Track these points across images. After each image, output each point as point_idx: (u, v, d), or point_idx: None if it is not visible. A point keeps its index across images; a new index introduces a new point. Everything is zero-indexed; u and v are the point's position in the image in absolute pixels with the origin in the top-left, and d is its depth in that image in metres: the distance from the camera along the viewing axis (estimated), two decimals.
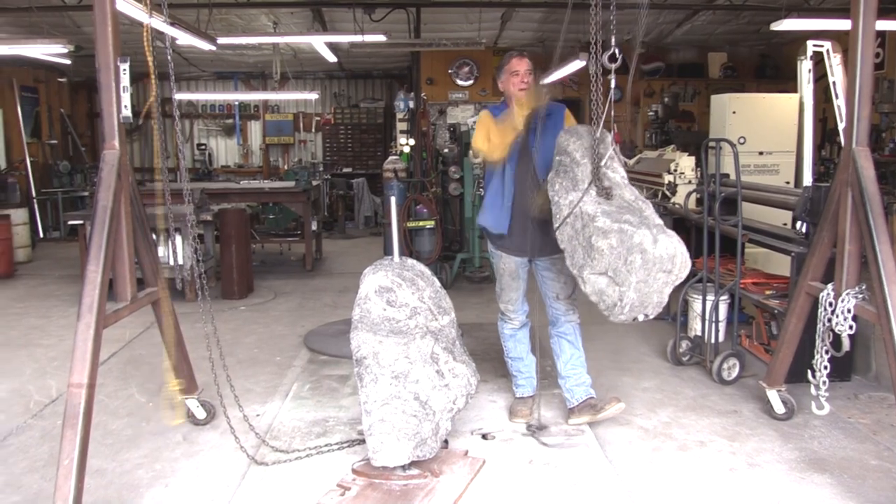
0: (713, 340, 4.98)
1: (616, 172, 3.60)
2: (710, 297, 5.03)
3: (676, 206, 6.25)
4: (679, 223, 6.60)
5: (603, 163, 3.53)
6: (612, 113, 3.54)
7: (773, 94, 8.17)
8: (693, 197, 5.75)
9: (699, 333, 5.17)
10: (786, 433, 4.02)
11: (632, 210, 3.45)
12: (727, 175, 5.56)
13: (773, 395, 4.18)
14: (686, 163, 6.69)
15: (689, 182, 6.55)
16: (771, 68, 12.60)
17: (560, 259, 4.04)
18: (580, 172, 3.57)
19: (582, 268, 3.47)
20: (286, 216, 10.81)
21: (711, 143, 5.26)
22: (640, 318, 3.39)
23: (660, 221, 3.41)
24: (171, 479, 3.55)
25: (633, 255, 3.26)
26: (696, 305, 5.27)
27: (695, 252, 5.50)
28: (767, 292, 5.02)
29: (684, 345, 5.19)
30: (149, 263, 3.81)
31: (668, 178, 6.70)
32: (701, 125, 11.77)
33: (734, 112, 7.66)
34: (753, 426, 4.13)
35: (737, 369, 4.80)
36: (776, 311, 4.81)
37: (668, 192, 6.69)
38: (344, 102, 15.58)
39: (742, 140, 7.35)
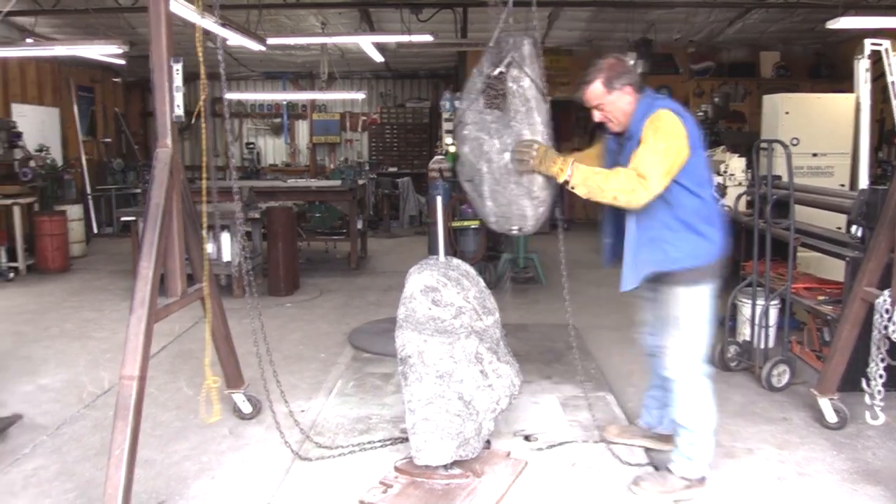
0: (763, 346, 4.88)
1: (516, 83, 3.32)
2: (760, 302, 4.93)
3: (726, 208, 6.14)
4: (728, 226, 6.50)
5: (495, 72, 3.37)
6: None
7: (828, 95, 7.99)
8: (743, 199, 5.64)
9: (748, 338, 5.07)
10: (838, 443, 3.91)
11: (505, 120, 3.34)
12: (779, 177, 5.44)
13: (825, 404, 4.07)
14: (736, 164, 6.58)
15: (740, 184, 6.44)
16: (826, 67, 12.27)
17: (651, 288, 3.45)
18: (480, 82, 3.49)
19: (459, 174, 3.61)
20: (332, 215, 10.91)
21: (763, 145, 5.17)
22: (515, 230, 3.43)
23: (527, 132, 3.24)
24: (217, 472, 3.62)
25: (480, 164, 3.41)
26: (746, 310, 5.17)
27: (744, 255, 5.41)
28: (820, 298, 4.90)
29: (732, 350, 5.09)
30: (198, 260, 3.89)
31: (717, 179, 6.60)
32: (752, 126, 11.54)
33: (787, 112, 7.51)
34: (803, 435, 4.03)
35: (787, 376, 4.70)
36: (829, 318, 4.69)
37: (717, 194, 6.58)
38: (390, 102, 15.67)
39: (795, 141, 7.20)
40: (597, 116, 3.33)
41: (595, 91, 3.25)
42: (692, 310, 3.28)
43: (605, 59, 3.30)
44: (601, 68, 3.26)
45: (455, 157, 3.58)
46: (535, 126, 3.28)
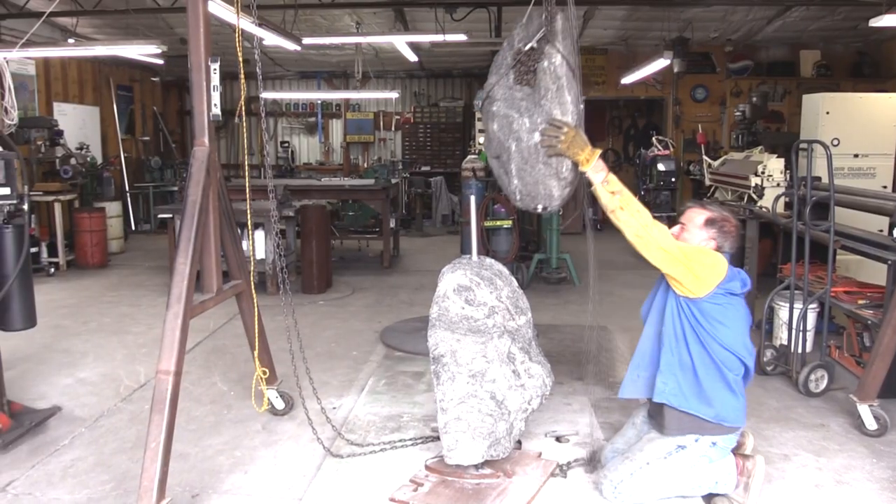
0: (800, 350, 4.79)
1: (547, 59, 3.30)
2: (798, 305, 4.84)
3: (764, 209, 6.04)
4: (766, 227, 6.40)
5: (526, 47, 3.35)
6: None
7: (871, 94, 7.83)
8: (782, 201, 5.54)
9: (785, 343, 4.99)
10: (878, 451, 3.83)
11: (535, 98, 3.32)
12: (819, 178, 5.34)
13: (865, 410, 3.99)
14: (774, 165, 6.47)
15: (778, 185, 6.33)
16: (868, 66, 12.00)
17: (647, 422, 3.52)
18: (510, 57, 3.47)
19: (487, 149, 3.63)
20: (365, 213, 10.97)
21: (803, 145, 5.07)
22: (540, 209, 3.43)
23: (557, 112, 3.23)
24: (249, 467, 3.67)
25: (509, 142, 3.39)
26: (783, 313, 5.09)
27: (783, 258, 5.32)
28: (860, 301, 4.80)
29: (769, 354, 5.01)
30: (234, 257, 3.94)
31: (755, 180, 6.49)
32: (791, 126, 11.34)
33: (828, 112, 7.37)
34: (842, 441, 3.95)
35: (825, 381, 4.61)
36: (870, 322, 4.59)
37: (754, 196, 6.48)
38: (423, 101, 15.69)
39: (836, 142, 7.07)
40: (675, 229, 3.38)
41: (697, 216, 3.32)
42: (670, 466, 3.21)
43: (731, 217, 3.37)
44: (721, 215, 3.33)
45: (488, 132, 3.56)
46: (565, 105, 3.26)
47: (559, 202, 3.40)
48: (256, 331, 3.91)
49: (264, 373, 3.83)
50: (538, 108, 3.30)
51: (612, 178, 3.18)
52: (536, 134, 3.28)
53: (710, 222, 3.29)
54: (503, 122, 3.43)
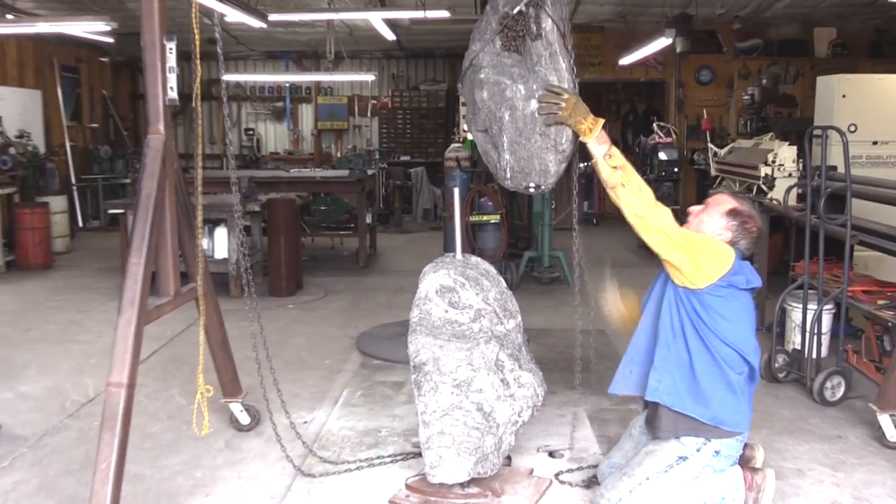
0: (815, 355, 4.83)
1: (537, 23, 3.34)
2: (812, 307, 4.88)
3: (774, 201, 6.09)
4: (777, 222, 6.45)
5: (514, 11, 3.37)
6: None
7: (891, 76, 7.90)
8: (794, 192, 5.59)
9: (798, 347, 5.03)
10: None
11: (527, 64, 3.35)
12: (834, 167, 5.39)
13: (886, 420, 4.03)
14: (786, 153, 6.52)
15: (790, 175, 6.38)
16: (888, 45, 12.13)
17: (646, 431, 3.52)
18: (495, 22, 3.49)
19: (471, 123, 3.63)
20: (339, 208, 10.94)
21: (817, 132, 5.12)
22: (532, 188, 3.44)
23: (553, 78, 3.27)
24: (211, 489, 3.64)
25: (501, 111, 3.38)
26: (796, 315, 5.13)
27: (795, 254, 5.36)
28: (880, 302, 4.85)
29: (781, 359, 5.05)
30: (193, 256, 3.91)
31: (764, 170, 6.54)
32: (804, 111, 11.44)
33: (844, 96, 7.44)
34: (861, 455, 3.99)
35: (842, 389, 4.65)
36: (890, 324, 4.65)
37: (764, 187, 6.53)
38: (402, 84, 15.68)
39: (853, 128, 7.13)
40: (695, 209, 3.42)
41: (724, 202, 3.34)
42: (672, 480, 3.19)
43: (758, 218, 3.40)
44: (749, 211, 3.34)
45: (473, 103, 3.51)
46: (560, 72, 3.29)
47: (554, 179, 3.41)
48: (202, 338, 3.88)
49: (207, 390, 3.80)
50: (532, 75, 3.31)
51: (615, 151, 3.20)
52: (533, 101, 3.29)
53: (733, 213, 3.30)
54: (494, 89, 3.42)
